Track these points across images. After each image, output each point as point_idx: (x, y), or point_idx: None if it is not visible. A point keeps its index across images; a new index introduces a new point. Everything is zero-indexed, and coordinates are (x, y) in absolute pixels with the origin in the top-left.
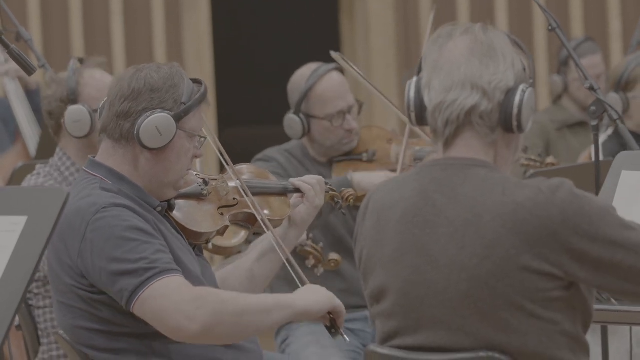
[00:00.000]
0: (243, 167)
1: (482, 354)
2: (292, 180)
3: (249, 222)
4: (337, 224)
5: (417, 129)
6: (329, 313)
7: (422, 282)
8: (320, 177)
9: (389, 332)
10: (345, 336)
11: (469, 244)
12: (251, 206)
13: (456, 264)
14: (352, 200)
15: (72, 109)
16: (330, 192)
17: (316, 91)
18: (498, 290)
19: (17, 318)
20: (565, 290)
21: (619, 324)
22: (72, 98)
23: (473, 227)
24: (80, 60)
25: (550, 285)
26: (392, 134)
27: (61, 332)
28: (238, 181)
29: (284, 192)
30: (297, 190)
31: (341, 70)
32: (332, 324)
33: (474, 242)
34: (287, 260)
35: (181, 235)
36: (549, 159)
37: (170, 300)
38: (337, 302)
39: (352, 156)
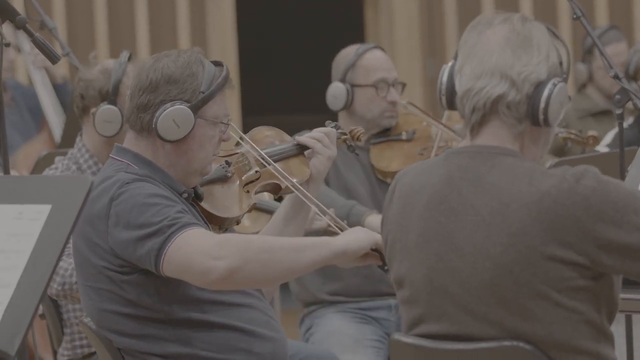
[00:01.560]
0: (255, 131)
1: (506, 343)
2: (297, 137)
3: (274, 191)
4: (366, 201)
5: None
6: (375, 250)
7: (446, 270)
8: (329, 129)
9: (413, 319)
10: None
11: (495, 232)
12: (278, 175)
13: (481, 253)
14: (362, 137)
15: (106, 108)
16: (342, 137)
17: (363, 61)
18: (522, 279)
19: (40, 307)
20: (592, 280)
21: None
22: (112, 98)
23: (499, 216)
24: (129, 57)
25: (575, 274)
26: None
27: (86, 320)
28: (256, 152)
29: (299, 153)
30: (306, 147)
31: (383, 50)
32: (382, 260)
33: (500, 231)
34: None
35: (207, 224)
36: (591, 132)
37: (194, 247)
38: (378, 237)
39: (390, 137)
